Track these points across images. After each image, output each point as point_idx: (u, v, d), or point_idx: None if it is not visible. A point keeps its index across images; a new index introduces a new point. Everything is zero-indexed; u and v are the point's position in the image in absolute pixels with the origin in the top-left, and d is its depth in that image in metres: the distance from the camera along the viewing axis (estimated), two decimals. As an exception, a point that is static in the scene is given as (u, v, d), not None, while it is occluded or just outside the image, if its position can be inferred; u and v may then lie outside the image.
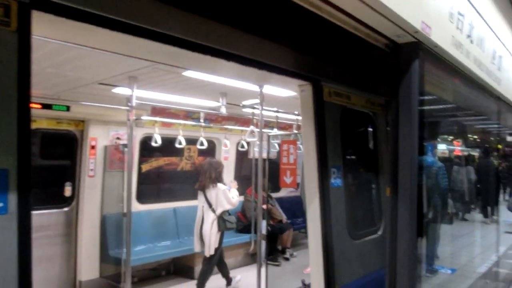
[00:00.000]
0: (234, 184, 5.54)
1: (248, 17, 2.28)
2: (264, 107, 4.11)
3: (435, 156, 4.57)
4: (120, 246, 5.00)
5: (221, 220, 5.18)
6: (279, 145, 5.93)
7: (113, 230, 5.34)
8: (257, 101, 4.14)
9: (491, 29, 3.96)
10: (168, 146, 5.88)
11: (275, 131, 5.05)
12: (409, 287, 2.47)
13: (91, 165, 5.44)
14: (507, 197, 6.46)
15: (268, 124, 6.08)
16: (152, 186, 6.77)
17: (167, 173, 6.86)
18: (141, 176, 6.18)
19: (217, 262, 5.28)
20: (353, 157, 3.61)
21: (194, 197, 6.80)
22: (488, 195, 5.35)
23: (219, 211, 5.16)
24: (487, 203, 5.36)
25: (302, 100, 2.89)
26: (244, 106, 4.81)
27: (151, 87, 4.37)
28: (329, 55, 2.81)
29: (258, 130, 4.32)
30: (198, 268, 5.87)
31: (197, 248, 5.18)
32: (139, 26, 1.84)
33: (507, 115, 5.36)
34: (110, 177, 5.49)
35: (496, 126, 5.30)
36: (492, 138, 5.62)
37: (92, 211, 5.37)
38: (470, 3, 3.26)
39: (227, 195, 5.23)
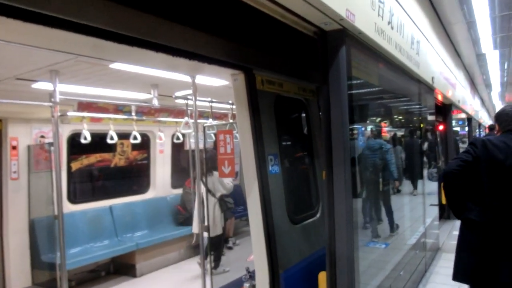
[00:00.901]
0: None
1: (176, 6, 2.21)
2: (198, 98, 4.05)
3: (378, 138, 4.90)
4: (53, 250, 4.71)
5: (222, 201, 5.75)
6: (215, 135, 5.93)
7: (44, 234, 5.01)
8: (190, 91, 4.06)
9: (409, 16, 4.21)
10: (99, 142, 5.60)
11: (210, 121, 5.00)
12: (348, 262, 2.60)
13: (14, 167, 5.02)
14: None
15: (203, 115, 6.00)
16: (85, 185, 6.43)
17: (100, 170, 6.54)
18: (72, 175, 5.83)
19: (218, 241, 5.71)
20: (289, 143, 3.69)
21: (131, 193, 6.62)
22: (414, 170, 5.76)
23: (218, 195, 5.66)
24: (414, 177, 5.79)
25: (235, 89, 2.88)
26: (177, 97, 4.69)
27: (76, 81, 4.11)
28: (260, 43, 2.81)
29: (192, 121, 4.25)
30: (139, 265, 5.73)
31: (195, 229, 5.52)
32: (56, 17, 1.70)
33: (427, 96, 5.79)
34: (36, 178, 5.12)
35: (418, 107, 5.70)
36: (415, 118, 6.04)
37: (18, 216, 4.98)
38: (390, -9, 3.43)
39: (222, 181, 5.69)
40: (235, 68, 2.76)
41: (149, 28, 2.11)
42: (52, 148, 4.57)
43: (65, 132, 5.43)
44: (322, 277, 2.64)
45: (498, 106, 21.16)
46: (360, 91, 3.40)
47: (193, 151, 6.34)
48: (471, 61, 9.64)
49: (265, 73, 2.98)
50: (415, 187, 5.69)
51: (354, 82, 3.01)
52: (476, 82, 12.97)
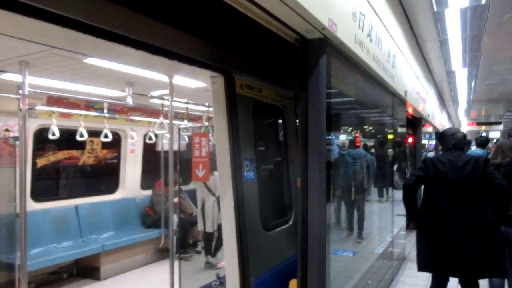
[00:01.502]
0: None
1: (158, 4, 2.15)
2: (174, 98, 3.98)
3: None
4: (12, 250, 4.48)
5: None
6: (189, 137, 5.85)
7: (3, 233, 4.77)
8: (166, 91, 3.99)
9: (387, 30, 4.31)
10: (68, 138, 5.41)
11: (185, 123, 4.92)
12: (319, 269, 2.60)
13: (-28, 160, 4.77)
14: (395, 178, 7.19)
15: (177, 116, 5.91)
16: (50, 183, 6.18)
17: (67, 168, 6.31)
18: (37, 171, 5.59)
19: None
20: (264, 149, 3.67)
21: (99, 193, 6.41)
22: (384, 179, 5.88)
23: (217, 194, 5.68)
24: (383, 185, 5.91)
25: (214, 92, 2.83)
26: (152, 97, 4.59)
27: (47, 74, 3.95)
28: (242, 47, 2.78)
29: (168, 122, 4.17)
30: (104, 268, 5.54)
31: (200, 227, 5.89)
32: (28, 4, 1.61)
33: (399, 109, 5.93)
34: (-3, 173, 4.88)
35: (390, 119, 5.82)
36: (386, 130, 6.17)
37: (-26, 212, 4.73)
38: (370, 5, 3.50)
39: None
40: (214, 71, 2.72)
41: (129, 23, 2.04)
42: (17, 142, 4.36)
43: (32, 126, 5.21)
44: (293, 284, 2.63)
45: (464, 121, 22.01)
46: (338, 100, 3.43)
47: (165, 152, 6.25)
48: (441, 77, 9.99)
49: (245, 77, 2.96)
50: (382, 195, 5.85)
51: (333, 91, 3.04)
52: (444, 97, 13.45)
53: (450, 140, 3.59)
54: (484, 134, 21.21)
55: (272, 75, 3.37)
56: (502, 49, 7.22)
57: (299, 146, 2.77)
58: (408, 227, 7.74)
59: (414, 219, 3.77)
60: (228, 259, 2.61)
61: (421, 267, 3.67)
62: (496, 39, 6.50)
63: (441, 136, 3.73)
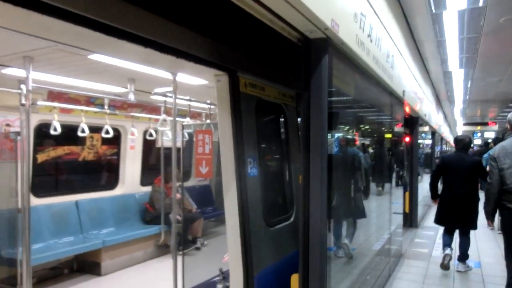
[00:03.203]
0: None
1: (166, 3, 2.20)
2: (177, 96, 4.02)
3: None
4: (14, 245, 4.51)
5: None
6: (190, 134, 5.89)
7: (4, 228, 4.79)
8: (169, 88, 4.02)
9: (386, 31, 4.36)
10: (68, 134, 5.42)
11: (188, 120, 4.96)
12: (320, 265, 2.65)
13: (-26, 155, 4.78)
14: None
15: (178, 113, 5.94)
16: (50, 178, 6.20)
17: (67, 164, 6.33)
18: (37, 167, 5.61)
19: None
20: (266, 147, 3.73)
21: (99, 189, 6.44)
22: (381, 175, 5.93)
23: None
24: (381, 181, 5.98)
25: (218, 90, 2.88)
26: (155, 94, 4.62)
27: (49, 69, 3.97)
28: (246, 46, 2.84)
29: (171, 118, 4.20)
30: (104, 264, 5.58)
31: None
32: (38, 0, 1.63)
33: (397, 108, 5.99)
34: (-2, 168, 4.89)
35: (388, 118, 5.89)
36: (384, 129, 6.24)
37: (-26, 207, 4.74)
38: (371, 5, 3.55)
39: None
40: (219, 69, 2.77)
41: (138, 21, 2.09)
42: (18, 137, 4.38)
43: (33, 121, 5.22)
44: (295, 279, 2.69)
45: (459, 121, 22.15)
46: (339, 98, 3.48)
47: (165, 148, 6.28)
48: (438, 77, 10.06)
49: (249, 76, 3.01)
50: (383, 188, 5.95)
51: (334, 90, 3.09)
52: (441, 98, 13.54)
53: (460, 144, 5.60)
54: (479, 134, 21.39)
55: (275, 74, 3.43)
56: (498, 51, 7.31)
57: (300, 144, 2.82)
58: (405, 225, 7.84)
59: (434, 198, 5.88)
60: (232, 255, 2.67)
61: (436, 221, 5.76)
62: (493, 41, 6.58)
63: (455, 140, 5.79)
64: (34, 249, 4.89)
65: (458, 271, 5.59)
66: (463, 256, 5.63)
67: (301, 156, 2.77)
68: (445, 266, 5.53)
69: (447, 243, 5.66)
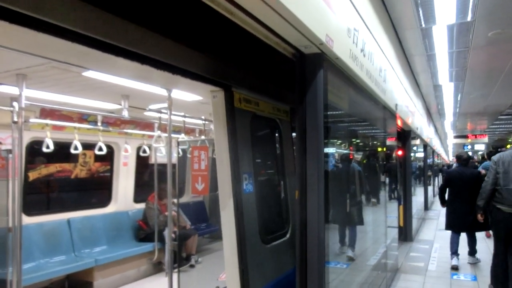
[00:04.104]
0: None
1: (161, 18, 2.20)
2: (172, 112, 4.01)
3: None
4: (4, 265, 4.39)
5: None
6: (183, 150, 5.85)
7: (-6, 248, 4.67)
8: (165, 105, 4.01)
9: (378, 45, 4.42)
10: (60, 151, 5.36)
11: (182, 137, 4.94)
12: (319, 283, 2.62)
13: (-36, 174, 4.69)
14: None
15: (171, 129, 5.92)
16: (42, 196, 6.10)
17: (59, 181, 6.24)
18: (28, 185, 5.53)
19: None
20: (261, 163, 3.71)
21: (91, 206, 6.35)
22: (375, 188, 5.94)
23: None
24: (374, 194, 5.99)
25: (214, 106, 2.87)
26: (150, 110, 4.61)
27: (42, 86, 3.94)
28: (241, 61, 2.85)
29: (165, 135, 4.18)
30: (97, 283, 5.46)
31: None
32: (32, 17, 1.61)
33: (390, 122, 6.04)
34: (-13, 187, 4.79)
35: (382, 132, 5.93)
36: (377, 143, 6.28)
37: (-38, 227, 4.62)
38: (363, 21, 3.60)
39: None
40: (215, 85, 2.77)
41: (134, 38, 2.09)
42: (10, 155, 4.31)
43: (24, 139, 5.15)
44: (293, 297, 2.64)
45: (450, 134, 22.37)
46: (334, 113, 3.50)
47: (158, 165, 6.23)
48: (428, 91, 10.19)
49: (244, 91, 3.01)
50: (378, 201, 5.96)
51: (329, 105, 3.10)
52: (431, 111, 13.68)
53: (460, 159, 6.71)
54: (469, 146, 21.59)
55: (269, 89, 3.44)
56: (487, 64, 7.44)
57: (296, 159, 2.81)
58: (400, 238, 7.81)
59: (443, 204, 6.89)
60: (229, 273, 2.62)
61: (447, 228, 6.66)
62: (482, 54, 6.70)
63: (456, 157, 7.04)
64: (25, 269, 4.78)
65: (469, 263, 6.66)
66: (472, 251, 6.74)
67: (297, 170, 2.76)
68: (454, 268, 6.43)
69: (454, 250, 6.54)
